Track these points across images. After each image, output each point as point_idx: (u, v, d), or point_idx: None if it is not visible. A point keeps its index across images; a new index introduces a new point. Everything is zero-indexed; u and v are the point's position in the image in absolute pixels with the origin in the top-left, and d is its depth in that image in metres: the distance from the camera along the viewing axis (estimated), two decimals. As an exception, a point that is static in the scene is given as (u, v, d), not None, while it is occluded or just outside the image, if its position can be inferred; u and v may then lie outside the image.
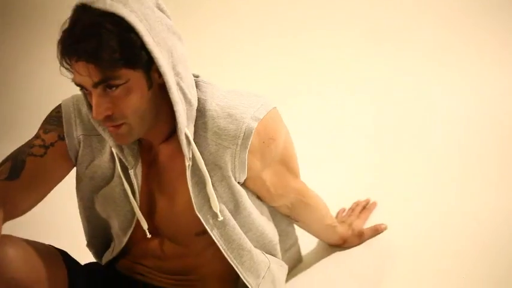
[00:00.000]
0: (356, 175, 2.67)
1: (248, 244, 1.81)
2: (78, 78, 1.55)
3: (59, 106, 1.76)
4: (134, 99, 1.57)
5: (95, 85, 1.54)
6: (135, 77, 1.54)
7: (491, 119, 2.75)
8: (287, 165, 1.84)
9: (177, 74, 1.59)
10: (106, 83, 1.53)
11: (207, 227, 1.74)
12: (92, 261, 2.00)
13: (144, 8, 1.55)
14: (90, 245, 1.99)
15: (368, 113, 3.04)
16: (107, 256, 1.94)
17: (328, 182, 2.51)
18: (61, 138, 1.75)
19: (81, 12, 1.52)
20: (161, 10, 1.61)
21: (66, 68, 1.55)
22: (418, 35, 3.27)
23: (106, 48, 1.49)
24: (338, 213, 2.35)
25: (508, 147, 2.58)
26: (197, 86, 1.70)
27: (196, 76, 1.73)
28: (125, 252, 1.90)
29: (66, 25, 1.54)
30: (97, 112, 1.56)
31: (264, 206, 1.89)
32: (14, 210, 1.69)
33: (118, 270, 1.95)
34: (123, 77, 1.53)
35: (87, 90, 1.57)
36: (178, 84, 1.59)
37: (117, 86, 1.54)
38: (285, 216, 2.03)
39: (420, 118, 2.92)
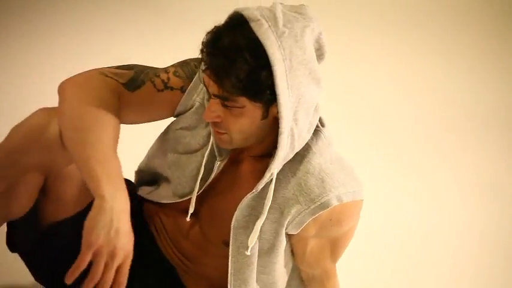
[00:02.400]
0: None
1: (253, 284, 1.83)
2: (203, 79, 1.59)
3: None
4: (244, 123, 1.59)
5: (212, 96, 1.58)
6: (251, 106, 1.56)
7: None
8: (334, 248, 1.85)
9: (295, 120, 1.58)
10: (222, 101, 1.56)
11: (230, 247, 1.78)
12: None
13: (297, 45, 1.54)
14: (138, 173, 2.05)
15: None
16: (143, 191, 1.98)
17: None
18: (182, 90, 1.77)
19: (234, 25, 1.54)
20: (319, 44, 1.60)
21: (203, 61, 1.58)
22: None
23: (233, 75, 1.50)
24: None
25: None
26: (315, 133, 1.71)
27: (322, 124, 1.74)
28: (157, 202, 1.94)
29: (218, 25, 1.56)
30: (207, 115, 1.60)
31: (291, 261, 1.91)
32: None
33: (142, 209, 2.00)
34: (239, 102, 1.55)
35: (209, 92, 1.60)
36: (291, 129, 1.59)
37: (232, 107, 1.56)
38: (301, 279, 2.04)
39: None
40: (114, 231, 1.50)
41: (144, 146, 2.04)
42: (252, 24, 1.52)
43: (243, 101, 1.55)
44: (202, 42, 1.56)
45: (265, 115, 1.58)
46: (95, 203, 1.52)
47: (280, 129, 1.57)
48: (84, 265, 1.47)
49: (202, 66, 1.58)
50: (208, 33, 1.56)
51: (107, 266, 1.49)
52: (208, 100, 1.67)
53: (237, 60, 1.50)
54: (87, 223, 1.50)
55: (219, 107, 1.58)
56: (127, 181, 1.96)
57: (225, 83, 1.52)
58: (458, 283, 2.72)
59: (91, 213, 1.51)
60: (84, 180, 1.59)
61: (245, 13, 1.54)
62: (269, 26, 1.52)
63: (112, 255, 1.49)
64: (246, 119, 1.58)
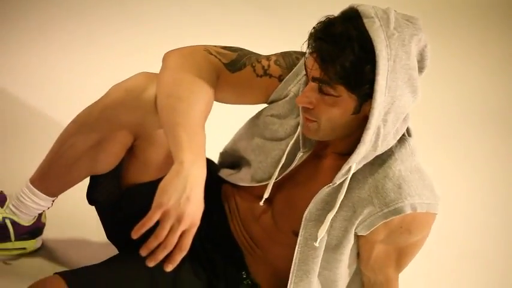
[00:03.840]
0: None
1: (314, 277, 1.85)
2: (307, 62, 1.63)
3: (304, 55, 1.80)
4: (334, 113, 1.63)
5: (312, 79, 1.61)
6: (346, 97, 1.60)
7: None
8: (400, 256, 1.85)
9: (384, 121, 1.62)
10: (321, 85, 1.60)
11: (299, 237, 1.80)
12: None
13: (403, 50, 1.58)
14: (222, 154, 2.11)
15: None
16: (223, 173, 2.03)
17: None
18: (280, 79, 1.82)
19: (348, 17, 1.59)
20: (422, 57, 1.64)
21: (309, 47, 1.63)
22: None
23: (338, 63, 1.55)
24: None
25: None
26: (400, 140, 1.73)
27: (409, 134, 1.75)
28: (235, 185, 1.99)
29: (331, 15, 1.60)
30: (301, 100, 1.65)
31: (355, 264, 1.92)
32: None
33: (220, 188, 2.05)
34: (337, 91, 1.59)
35: (308, 76, 1.64)
36: (378, 128, 1.62)
37: (328, 94, 1.60)
38: (361, 284, 2.03)
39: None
40: (185, 197, 1.54)
41: (230, 130, 2.10)
42: (365, 21, 1.57)
43: (341, 90, 1.59)
44: (314, 27, 1.61)
45: (357, 109, 1.62)
46: (173, 167, 1.57)
47: (367, 125, 1.60)
48: (150, 223, 1.52)
49: (309, 50, 1.62)
50: (320, 21, 1.61)
51: (172, 229, 1.53)
52: (303, 87, 1.71)
53: (346, 48, 1.55)
54: (162, 184, 1.55)
55: (314, 93, 1.63)
56: (209, 161, 2.03)
57: (329, 68, 1.57)
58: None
59: (167, 176, 1.56)
60: (168, 145, 1.65)
61: (360, 9, 1.59)
62: (381, 25, 1.56)
63: (179, 220, 1.53)
64: (338, 109, 1.62)
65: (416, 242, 1.81)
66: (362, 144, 1.62)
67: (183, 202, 1.53)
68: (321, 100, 1.63)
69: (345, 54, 1.55)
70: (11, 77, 3.02)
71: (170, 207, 1.53)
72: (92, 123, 1.83)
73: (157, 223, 1.54)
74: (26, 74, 3.07)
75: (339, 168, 1.72)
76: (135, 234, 1.52)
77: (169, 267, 1.55)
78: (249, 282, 1.98)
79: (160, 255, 1.53)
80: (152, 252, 1.54)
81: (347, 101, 1.61)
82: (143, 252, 1.53)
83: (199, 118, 1.67)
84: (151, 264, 1.54)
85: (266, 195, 1.86)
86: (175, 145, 1.60)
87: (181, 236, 1.55)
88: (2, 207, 1.99)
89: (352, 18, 1.58)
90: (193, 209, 1.55)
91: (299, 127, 1.77)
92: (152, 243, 1.53)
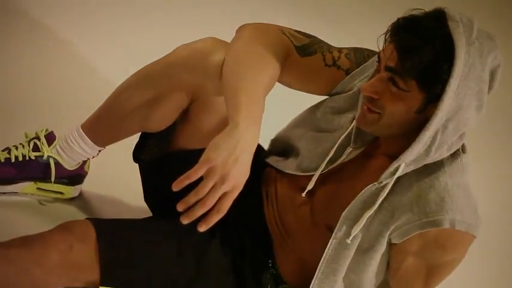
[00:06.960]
0: None
1: (340, 278, 1.82)
2: (382, 53, 1.62)
3: (376, 53, 1.74)
4: (398, 107, 1.60)
5: (386, 68, 1.59)
6: (415, 94, 1.58)
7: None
8: (429, 274, 1.79)
9: (444, 126, 1.60)
10: (393, 76, 1.58)
11: (333, 234, 1.77)
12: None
13: (480, 60, 1.57)
14: (273, 141, 2.10)
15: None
16: (271, 160, 2.03)
17: None
18: (347, 72, 1.82)
19: (434, 16, 1.58)
20: (492, 76, 1.62)
21: (385, 37, 1.62)
22: None
23: (418, 55, 1.53)
24: None
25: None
26: (453, 155, 1.71)
27: (463, 151, 1.73)
28: (279, 171, 1.98)
29: (418, 9, 1.60)
30: (367, 88, 1.63)
31: (383, 274, 1.87)
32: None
33: (262, 172, 2.04)
34: (408, 85, 1.57)
35: (379, 66, 1.63)
36: (436, 133, 1.60)
37: (398, 87, 1.58)
38: None
39: None
40: (234, 157, 1.53)
41: (283, 120, 2.09)
42: (450, 23, 1.56)
43: (412, 85, 1.57)
44: (398, 18, 1.60)
45: (421, 108, 1.60)
46: (228, 127, 1.57)
47: (427, 125, 1.58)
48: (195, 177, 1.50)
49: (389, 39, 1.61)
50: (409, 12, 1.60)
51: (214, 188, 1.51)
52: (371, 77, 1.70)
53: (429, 43, 1.54)
54: (213, 141, 1.54)
55: (382, 84, 1.61)
56: (258, 145, 2.02)
57: (407, 60, 1.55)
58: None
59: (220, 134, 1.55)
60: (226, 109, 1.64)
61: (447, 11, 1.59)
62: (464, 31, 1.56)
63: (223, 179, 1.51)
64: (403, 104, 1.60)
65: (448, 262, 1.77)
66: (417, 143, 1.60)
67: (231, 162, 1.52)
68: (387, 92, 1.61)
69: (426, 48, 1.53)
70: (85, 34, 3.10)
71: (217, 164, 1.51)
72: (152, 77, 1.84)
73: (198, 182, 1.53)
74: (96, 32, 3.15)
75: (385, 169, 1.70)
76: (177, 186, 1.50)
77: (202, 227, 1.53)
78: (274, 272, 1.95)
79: (197, 213, 1.52)
80: (189, 209, 1.52)
81: (415, 97, 1.58)
82: (180, 207, 1.51)
83: (262, 89, 1.67)
84: (185, 221, 1.52)
85: (310, 186, 1.85)
86: (233, 107, 1.60)
87: (221, 197, 1.53)
88: (49, 146, 2.01)
89: (438, 18, 1.58)
90: (239, 171, 1.54)
91: (354, 121, 1.76)
92: (191, 198, 1.51)
